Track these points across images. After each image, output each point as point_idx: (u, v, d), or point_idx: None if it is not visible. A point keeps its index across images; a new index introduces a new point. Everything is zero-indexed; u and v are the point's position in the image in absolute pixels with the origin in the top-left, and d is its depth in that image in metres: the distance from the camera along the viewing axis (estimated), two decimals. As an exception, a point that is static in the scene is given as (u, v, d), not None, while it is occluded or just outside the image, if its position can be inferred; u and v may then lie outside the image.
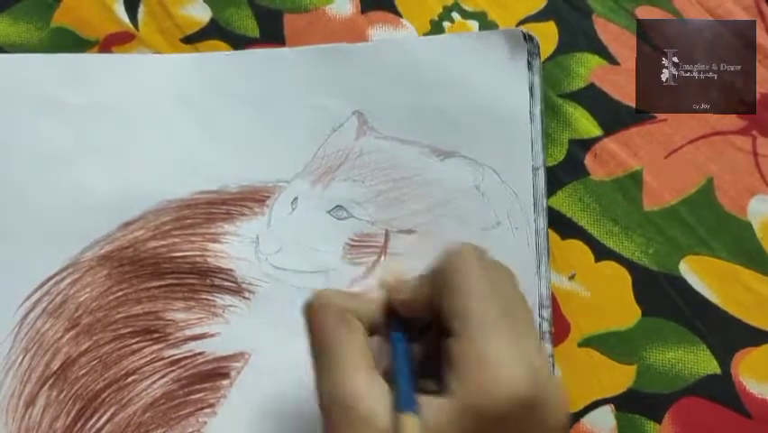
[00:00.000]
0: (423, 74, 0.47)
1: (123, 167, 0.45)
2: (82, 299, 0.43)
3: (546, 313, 0.42)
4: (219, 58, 0.48)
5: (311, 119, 0.46)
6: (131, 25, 0.49)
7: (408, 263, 0.43)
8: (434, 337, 0.34)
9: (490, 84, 0.46)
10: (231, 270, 0.44)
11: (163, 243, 0.44)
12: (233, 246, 0.44)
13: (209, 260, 0.44)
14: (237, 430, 0.41)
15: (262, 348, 0.43)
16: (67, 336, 0.43)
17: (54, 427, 0.41)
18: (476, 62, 0.47)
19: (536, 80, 0.46)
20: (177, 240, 0.44)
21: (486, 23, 0.49)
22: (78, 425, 0.41)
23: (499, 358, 0.31)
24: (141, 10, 0.50)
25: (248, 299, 0.43)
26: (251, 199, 0.45)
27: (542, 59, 0.48)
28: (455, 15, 0.49)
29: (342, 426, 0.31)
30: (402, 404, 0.31)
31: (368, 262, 0.44)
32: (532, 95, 0.46)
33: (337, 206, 0.44)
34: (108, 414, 0.41)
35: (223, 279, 0.44)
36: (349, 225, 0.44)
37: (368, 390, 0.32)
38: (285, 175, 0.45)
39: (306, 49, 0.48)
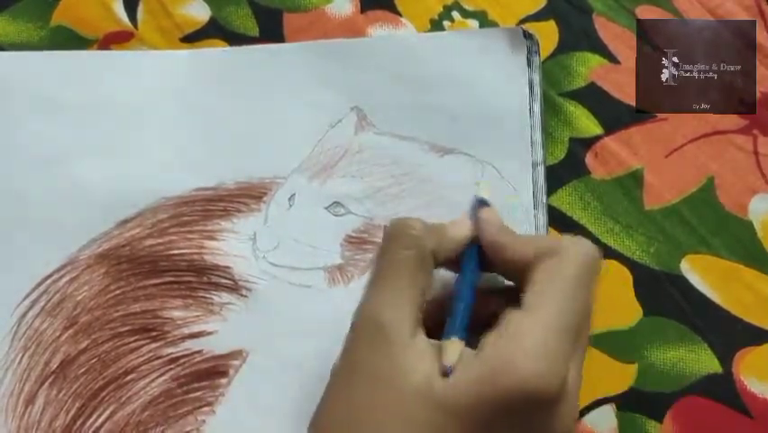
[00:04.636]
0: (422, 70, 0.47)
1: (120, 164, 0.45)
2: (80, 297, 0.43)
3: None
4: (216, 54, 0.48)
5: (309, 115, 0.46)
6: (130, 24, 0.49)
7: None
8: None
9: (490, 81, 0.46)
10: (228, 267, 0.43)
11: (160, 240, 0.44)
12: (231, 243, 0.44)
13: (206, 257, 0.44)
14: (235, 429, 0.41)
15: (260, 346, 0.42)
16: (65, 335, 0.42)
17: (54, 425, 0.41)
18: (476, 59, 0.47)
19: (536, 78, 0.46)
20: (174, 237, 0.44)
21: (486, 22, 0.49)
22: (78, 423, 0.41)
23: (545, 351, 0.31)
24: (141, 9, 0.50)
25: (245, 296, 0.43)
26: (248, 196, 0.45)
27: (542, 59, 0.48)
28: (455, 14, 0.49)
29: (368, 342, 0.33)
30: (455, 328, 0.33)
31: (366, 259, 0.43)
32: (531, 92, 0.46)
33: (335, 202, 0.44)
34: (107, 412, 0.41)
35: (220, 276, 0.43)
36: (347, 222, 0.44)
37: (407, 327, 0.33)
38: (282, 171, 0.45)
39: (304, 44, 0.48)
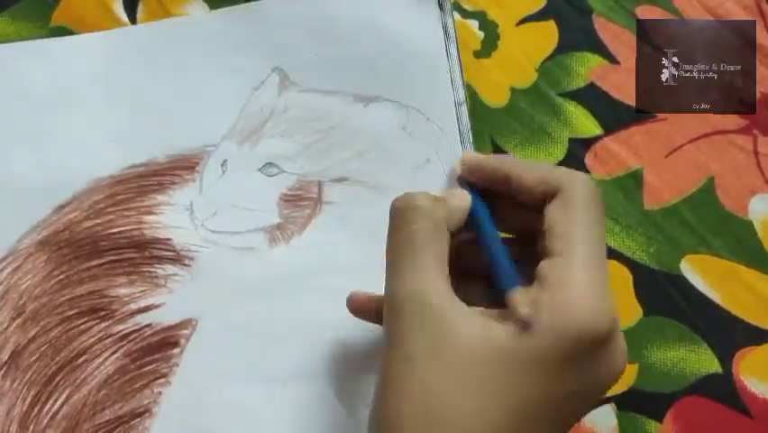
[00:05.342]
0: (337, 23, 0.48)
1: (51, 151, 0.46)
2: (24, 286, 0.43)
3: None
4: (134, 31, 0.49)
5: (232, 81, 0.47)
6: (130, 24, 0.49)
7: (345, 211, 0.44)
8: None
9: (404, 26, 0.47)
10: (168, 239, 0.44)
11: (98, 221, 0.44)
12: (168, 216, 0.44)
13: (146, 232, 0.44)
14: (192, 397, 0.41)
15: (208, 313, 0.43)
16: (13, 325, 0.42)
17: (11, 415, 0.41)
18: (387, 6, 0.48)
19: (450, 21, 0.47)
20: (112, 217, 0.44)
21: (486, 23, 0.49)
22: (35, 410, 0.41)
23: (594, 292, 0.31)
24: (141, 8, 0.50)
25: (188, 265, 0.43)
26: (180, 168, 0.45)
27: (542, 59, 0.48)
28: (455, 15, 0.49)
29: (414, 320, 0.32)
30: (512, 279, 0.32)
31: (304, 215, 0.44)
32: (447, 34, 0.47)
33: (267, 163, 0.45)
34: (64, 396, 0.41)
35: (161, 249, 0.44)
36: (281, 181, 0.45)
37: (447, 296, 0.32)
38: (211, 140, 0.46)
39: (219, 12, 0.49)
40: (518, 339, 0.31)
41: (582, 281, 0.31)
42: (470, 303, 0.33)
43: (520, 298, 0.31)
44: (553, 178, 0.34)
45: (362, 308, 0.39)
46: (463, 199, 0.36)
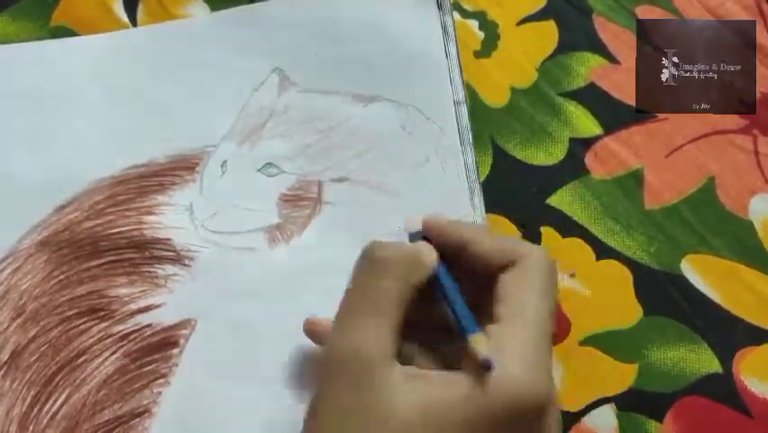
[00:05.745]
0: (336, 23, 0.48)
1: (51, 151, 0.46)
2: (24, 286, 0.43)
3: None
4: (134, 33, 0.49)
5: (231, 82, 0.47)
6: (130, 25, 0.49)
7: (345, 211, 0.44)
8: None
9: (403, 26, 0.48)
10: (168, 239, 0.44)
11: (98, 221, 0.44)
12: (168, 216, 0.45)
13: (146, 232, 0.44)
14: (191, 397, 0.41)
15: (208, 313, 0.43)
16: (14, 325, 0.43)
17: (11, 415, 0.41)
18: (387, 6, 0.48)
19: (449, 20, 0.48)
20: (112, 217, 0.44)
21: (486, 23, 0.49)
22: (35, 410, 0.41)
23: (531, 363, 0.31)
24: (141, 9, 0.50)
25: (189, 266, 0.44)
26: (180, 168, 0.45)
27: (542, 59, 0.48)
28: (455, 15, 0.49)
29: (351, 382, 0.32)
30: (472, 325, 0.32)
31: (303, 215, 0.44)
32: (446, 32, 0.47)
33: (267, 163, 0.45)
34: (63, 396, 0.41)
35: (161, 249, 0.44)
36: (281, 181, 0.45)
37: (391, 362, 0.32)
38: (211, 140, 0.46)
39: (217, 14, 0.49)
40: (454, 405, 0.31)
41: (521, 350, 0.32)
42: (407, 362, 0.33)
43: (481, 342, 0.31)
44: (510, 248, 0.35)
45: (319, 332, 0.39)
46: (431, 255, 0.35)
